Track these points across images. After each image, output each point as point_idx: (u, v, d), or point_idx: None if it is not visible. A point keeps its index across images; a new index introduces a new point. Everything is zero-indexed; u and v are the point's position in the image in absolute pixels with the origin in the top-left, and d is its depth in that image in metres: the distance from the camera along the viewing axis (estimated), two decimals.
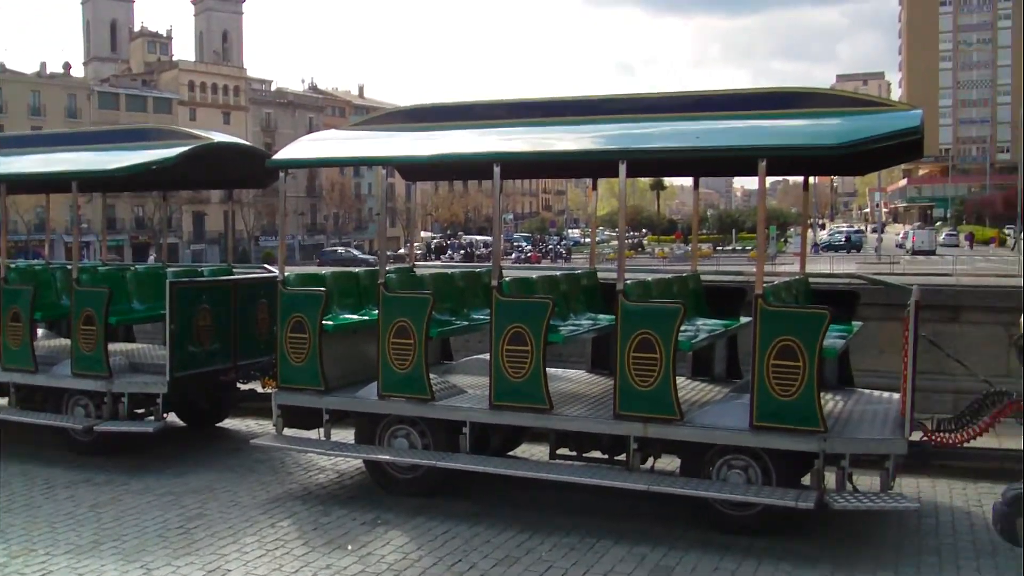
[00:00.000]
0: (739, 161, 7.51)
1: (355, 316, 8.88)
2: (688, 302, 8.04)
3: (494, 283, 7.65)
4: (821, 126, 6.97)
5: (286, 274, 8.59)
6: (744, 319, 8.48)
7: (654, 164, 9.10)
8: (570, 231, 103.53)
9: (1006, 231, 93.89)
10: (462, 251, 77.60)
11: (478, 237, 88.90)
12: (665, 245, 73.87)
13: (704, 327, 8.15)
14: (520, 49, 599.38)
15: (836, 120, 7.00)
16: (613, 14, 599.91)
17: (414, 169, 10.22)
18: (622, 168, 7.20)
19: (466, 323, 8.95)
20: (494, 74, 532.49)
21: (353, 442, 8.39)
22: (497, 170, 7.74)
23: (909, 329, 6.78)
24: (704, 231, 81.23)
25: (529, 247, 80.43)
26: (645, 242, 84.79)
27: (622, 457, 7.48)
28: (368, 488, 8.34)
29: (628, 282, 7.34)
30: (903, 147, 7.36)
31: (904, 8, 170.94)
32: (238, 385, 10.38)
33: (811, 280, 9.07)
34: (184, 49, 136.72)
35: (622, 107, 8.16)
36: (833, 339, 7.22)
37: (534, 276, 8.83)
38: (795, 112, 7.28)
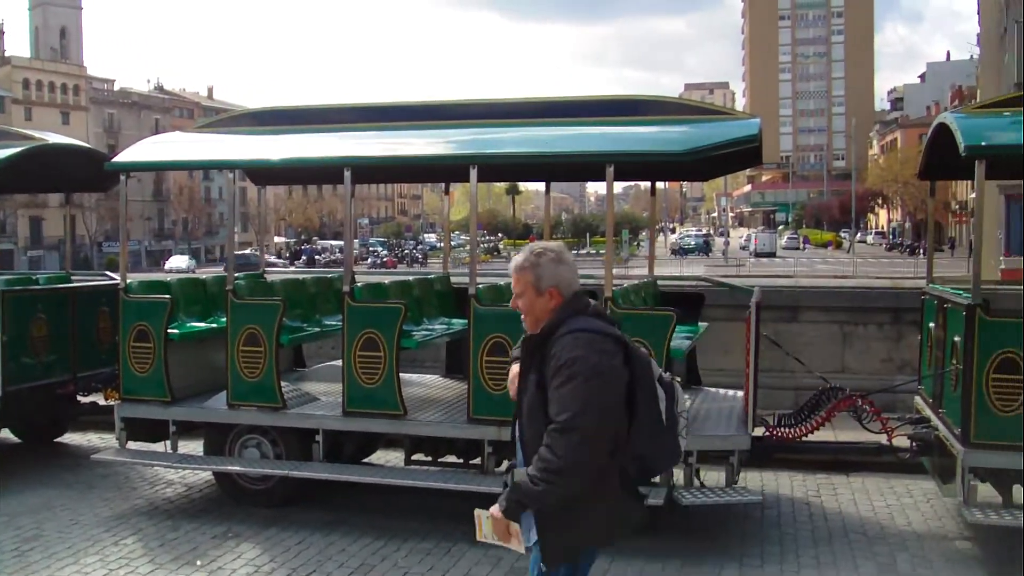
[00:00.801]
0: (588, 167, 7.65)
1: (203, 324, 8.63)
2: None
3: (346, 289, 7.56)
4: (667, 133, 7.18)
5: (128, 281, 8.28)
6: None
7: (505, 169, 9.18)
8: (426, 235, 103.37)
9: (842, 234, 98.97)
10: (316, 257, 76.34)
11: (333, 242, 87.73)
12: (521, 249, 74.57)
13: None
14: (377, 52, 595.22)
15: (681, 127, 7.23)
16: (471, 17, 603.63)
17: (264, 173, 10.01)
18: (473, 173, 7.22)
19: (318, 329, 8.81)
20: (350, 77, 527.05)
21: (202, 454, 8.14)
22: (348, 175, 7.66)
23: (750, 329, 7.06)
24: (558, 235, 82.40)
25: (385, 252, 79.92)
26: (501, 246, 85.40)
27: (477, 460, 7.50)
28: (218, 501, 8.10)
29: (480, 287, 7.37)
30: (744, 154, 7.66)
31: (746, 21, 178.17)
32: (78, 398, 9.92)
33: (659, 282, 9.32)
34: (18, 45, 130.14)
35: (474, 112, 8.20)
36: (680, 340, 7.43)
37: (387, 281, 8.77)
38: (642, 119, 7.48)
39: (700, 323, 8.85)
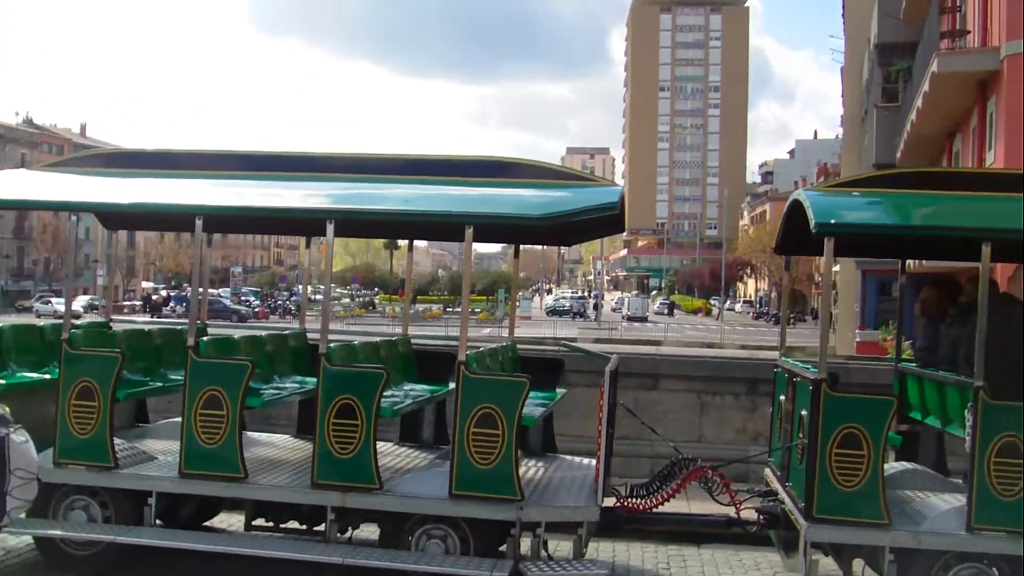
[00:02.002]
0: (448, 226, 7.53)
1: (35, 374, 8.10)
2: (395, 366, 7.95)
3: (191, 342, 7.21)
4: (528, 197, 7.13)
5: None
6: (453, 384, 8.47)
7: (367, 225, 8.98)
8: (301, 287, 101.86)
9: (712, 302, 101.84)
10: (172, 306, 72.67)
11: (211, 290, 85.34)
12: (396, 304, 74.16)
13: (412, 392, 8.06)
14: (263, 100, 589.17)
15: (543, 192, 7.20)
16: (356, 69, 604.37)
17: (115, 217, 9.56)
18: (329, 228, 7.04)
19: (161, 384, 8.38)
20: (235, 124, 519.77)
21: (23, 516, 7.56)
22: (199, 223, 7.36)
23: (604, 397, 7.01)
24: (435, 292, 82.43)
25: (257, 302, 78.16)
26: (377, 301, 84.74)
27: (321, 527, 7.19)
28: (40, 567, 7.51)
29: (332, 345, 7.14)
30: (606, 220, 7.65)
31: (628, 90, 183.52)
32: None
33: (519, 346, 9.23)
34: None
35: (340, 166, 8.00)
36: (533, 407, 7.33)
37: (237, 336, 8.43)
38: (504, 181, 7.42)
39: (558, 389, 8.78)
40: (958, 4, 24.15)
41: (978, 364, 6.27)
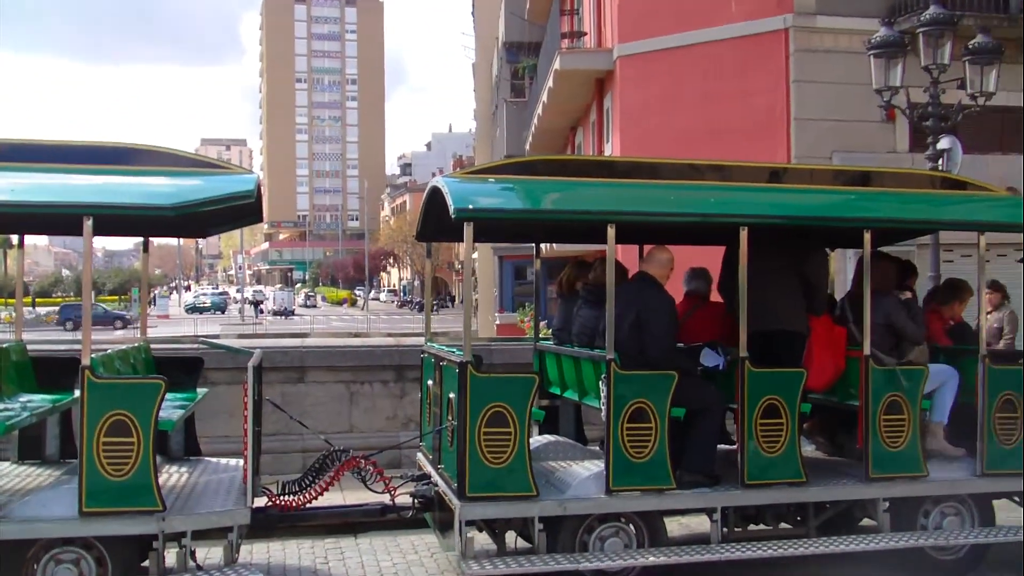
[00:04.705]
0: (65, 219, 6.81)
1: None
2: (7, 376, 7.12)
3: None
4: (155, 185, 6.60)
5: None
6: (78, 392, 7.71)
7: None
8: None
9: (357, 292, 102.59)
10: None
11: None
12: (12, 308, 67.66)
13: (29, 404, 7.23)
14: None
15: (171, 180, 6.70)
16: None
17: None
18: None
19: None
20: None
21: None
22: None
23: (248, 394, 6.70)
24: (60, 293, 76.41)
25: None
26: None
27: None
28: None
29: None
30: (242, 210, 7.28)
31: (264, 80, 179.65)
32: None
33: (153, 346, 8.62)
34: None
35: None
36: (171, 409, 6.86)
37: None
38: (129, 169, 6.82)
39: (199, 389, 8.30)
40: (576, 7, 25.91)
41: (609, 338, 6.69)
